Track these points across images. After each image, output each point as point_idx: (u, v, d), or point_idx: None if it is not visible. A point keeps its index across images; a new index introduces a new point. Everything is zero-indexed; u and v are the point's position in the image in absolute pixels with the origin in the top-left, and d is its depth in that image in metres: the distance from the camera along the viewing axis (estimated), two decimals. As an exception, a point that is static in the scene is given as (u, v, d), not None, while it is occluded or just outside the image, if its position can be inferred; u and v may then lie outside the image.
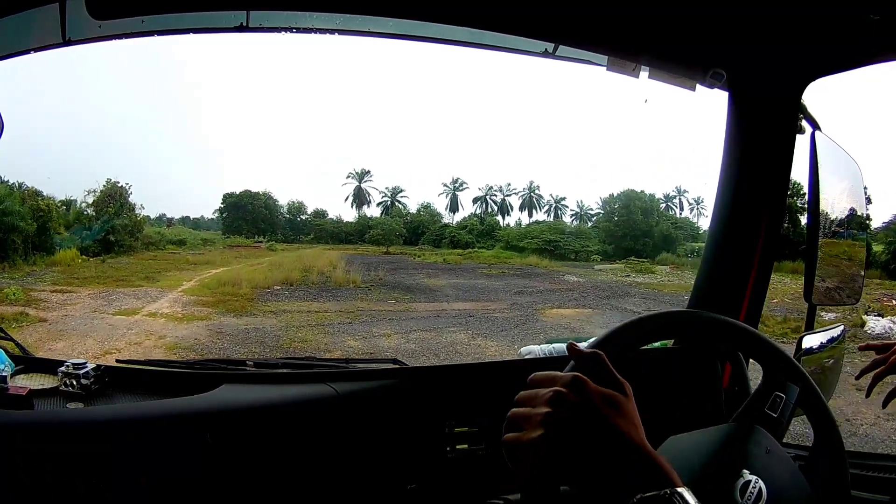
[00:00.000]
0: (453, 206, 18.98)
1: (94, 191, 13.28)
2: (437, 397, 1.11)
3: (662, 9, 1.05)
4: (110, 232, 12.75)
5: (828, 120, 1.23)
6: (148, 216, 14.71)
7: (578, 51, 1.22)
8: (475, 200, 19.27)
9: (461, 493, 1.08)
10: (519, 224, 18.64)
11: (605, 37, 1.17)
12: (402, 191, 19.01)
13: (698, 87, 1.26)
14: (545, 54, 1.22)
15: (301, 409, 1.02)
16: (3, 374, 1.01)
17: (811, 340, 1.23)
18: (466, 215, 18.75)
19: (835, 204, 1.29)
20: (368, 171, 18.86)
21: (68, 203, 13.09)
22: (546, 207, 19.27)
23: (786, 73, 1.22)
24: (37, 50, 1.04)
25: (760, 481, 0.74)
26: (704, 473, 0.75)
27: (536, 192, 19.24)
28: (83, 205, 13.27)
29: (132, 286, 10.66)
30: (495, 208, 19.15)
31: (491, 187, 19.27)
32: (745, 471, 0.74)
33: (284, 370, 1.17)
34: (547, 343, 1.41)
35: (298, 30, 1.11)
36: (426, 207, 18.68)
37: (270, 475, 0.95)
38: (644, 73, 1.24)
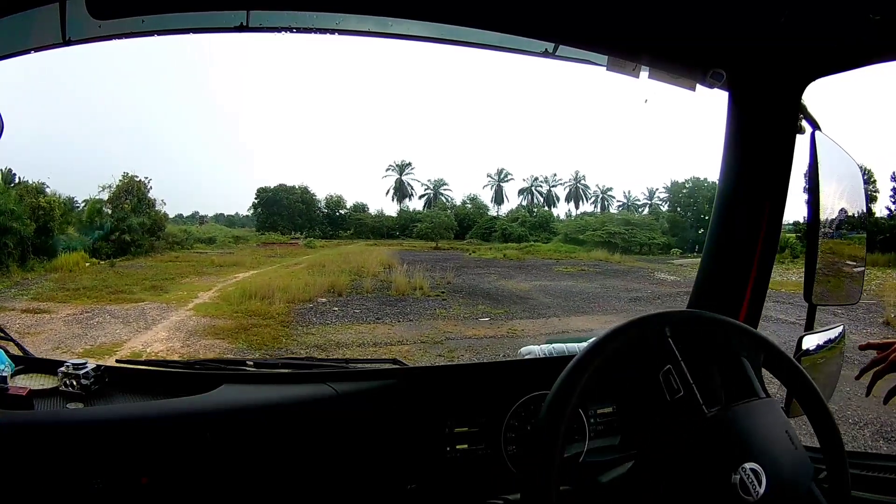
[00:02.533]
0: (498, 198, 18.18)
1: (110, 186, 11.74)
2: (437, 397, 1.11)
3: (662, 9, 1.05)
4: (125, 231, 11.14)
5: (828, 120, 1.23)
6: (179, 214, 13.71)
7: (578, 51, 1.22)
8: (521, 192, 18.41)
9: (461, 493, 1.08)
10: (569, 215, 17.88)
11: (605, 37, 1.17)
12: (444, 183, 18.09)
13: (698, 87, 1.26)
14: (545, 54, 1.22)
15: (301, 409, 1.02)
16: (4, 374, 1.01)
17: (811, 341, 1.23)
18: (512, 207, 17.95)
19: (834, 203, 1.29)
20: (409, 164, 17.95)
21: (90, 202, 11.78)
22: (592, 198, 18.51)
23: (786, 73, 1.22)
24: (37, 50, 1.04)
25: (759, 467, 0.74)
26: (704, 468, 0.75)
27: (582, 182, 18.44)
28: (81, 202, 11.80)
29: (130, 301, 8.15)
30: (541, 199, 18.37)
31: (536, 178, 18.43)
32: (745, 463, 0.74)
33: (284, 370, 1.17)
34: (547, 343, 1.41)
35: (298, 30, 1.11)
36: (473, 199, 17.88)
37: (270, 475, 0.95)
38: (644, 73, 1.24)
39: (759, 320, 1.34)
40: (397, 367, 1.21)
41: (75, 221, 11.28)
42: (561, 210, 18.19)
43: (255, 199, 16.37)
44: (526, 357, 1.38)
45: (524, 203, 18.16)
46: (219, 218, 16.46)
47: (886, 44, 1.06)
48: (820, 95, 1.23)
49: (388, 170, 17.91)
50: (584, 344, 0.83)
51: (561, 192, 18.44)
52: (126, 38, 1.09)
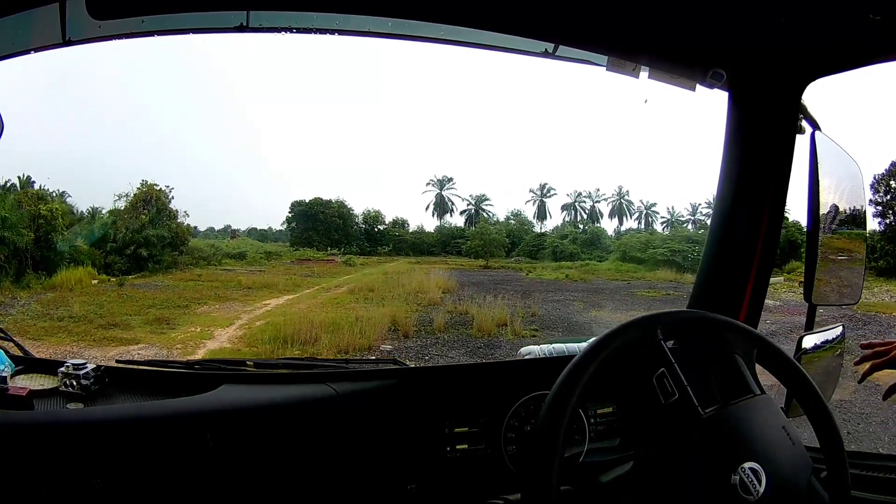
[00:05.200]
0: (541, 214, 17.28)
1: (127, 195, 10.55)
2: (436, 397, 1.11)
3: (662, 9, 1.05)
4: (142, 245, 10.01)
5: (828, 120, 1.23)
6: (211, 227, 12.88)
7: (578, 51, 1.22)
8: (564, 207, 17.43)
9: (461, 493, 1.08)
10: (617, 231, 16.88)
11: (605, 37, 1.17)
12: (486, 198, 17.22)
13: (698, 87, 1.26)
14: (545, 54, 1.22)
15: (301, 409, 1.02)
16: (4, 374, 1.01)
17: (811, 340, 1.23)
18: (555, 223, 16.93)
19: (834, 203, 1.28)
20: (451, 179, 17.10)
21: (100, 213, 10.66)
22: (636, 214, 17.54)
23: (786, 73, 1.22)
24: (37, 50, 1.04)
25: (758, 466, 0.74)
26: (703, 469, 0.76)
27: (626, 198, 17.47)
28: (106, 213, 10.55)
29: (120, 341, 6.23)
30: (584, 215, 17.50)
31: (579, 193, 17.48)
32: (744, 463, 0.74)
33: (284, 370, 1.17)
34: (547, 343, 1.41)
35: (298, 30, 1.11)
36: (517, 215, 16.97)
37: (270, 475, 0.95)
38: (644, 73, 1.24)
39: (759, 320, 1.34)
40: (397, 367, 1.21)
41: (84, 232, 10.06)
42: (604, 226, 17.29)
43: (289, 212, 15.41)
44: (526, 357, 1.38)
45: (567, 219, 17.39)
46: (251, 232, 15.71)
47: (886, 44, 1.06)
48: (820, 95, 1.23)
49: (428, 184, 17.19)
50: (584, 344, 0.83)
51: (604, 207, 17.62)
52: (126, 38, 1.09)
